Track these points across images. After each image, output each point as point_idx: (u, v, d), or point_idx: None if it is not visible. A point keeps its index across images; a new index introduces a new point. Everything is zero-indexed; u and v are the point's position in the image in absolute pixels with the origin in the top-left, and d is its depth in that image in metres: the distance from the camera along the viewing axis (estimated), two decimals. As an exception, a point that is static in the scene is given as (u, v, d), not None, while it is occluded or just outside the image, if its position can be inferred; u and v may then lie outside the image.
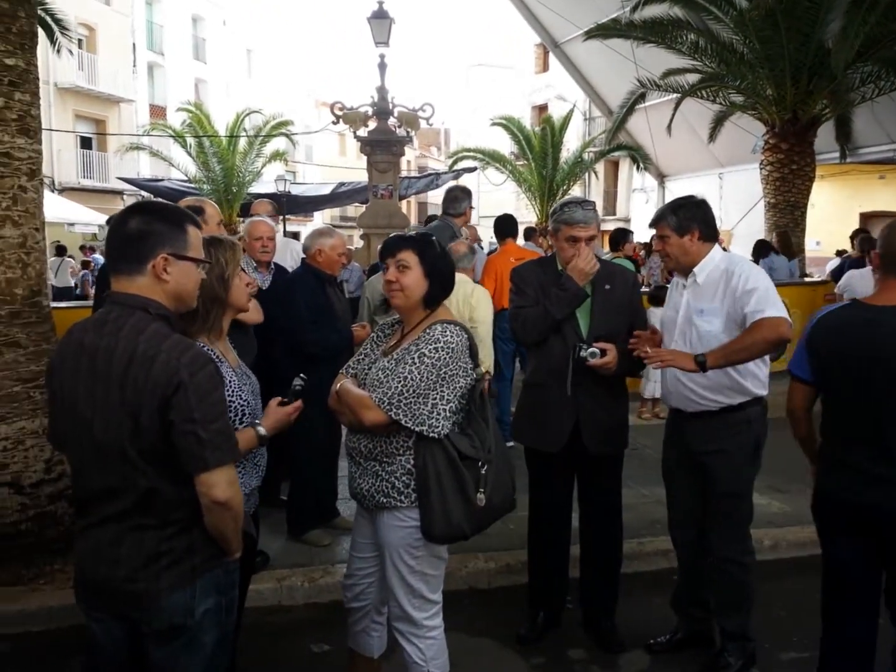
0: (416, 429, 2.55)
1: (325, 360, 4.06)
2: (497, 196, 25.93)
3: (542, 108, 30.63)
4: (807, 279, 11.36)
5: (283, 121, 22.64)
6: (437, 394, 2.57)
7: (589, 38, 13.08)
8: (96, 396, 1.99)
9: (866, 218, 17.61)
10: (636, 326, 3.44)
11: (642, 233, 15.30)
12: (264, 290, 4.51)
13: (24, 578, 4.00)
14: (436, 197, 43.43)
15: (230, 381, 2.46)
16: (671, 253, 3.32)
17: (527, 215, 22.42)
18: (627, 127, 16.12)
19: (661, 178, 21.67)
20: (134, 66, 29.38)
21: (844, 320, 2.64)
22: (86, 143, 27.04)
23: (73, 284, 16.98)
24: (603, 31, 12.73)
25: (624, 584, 3.77)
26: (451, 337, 2.61)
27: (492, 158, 22.20)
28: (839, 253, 14.15)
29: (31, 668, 3.51)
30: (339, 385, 2.73)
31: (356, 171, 19.70)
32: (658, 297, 6.34)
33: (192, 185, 20.41)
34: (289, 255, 5.81)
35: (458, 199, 6.19)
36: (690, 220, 3.27)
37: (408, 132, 12.77)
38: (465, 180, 22.89)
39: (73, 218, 19.17)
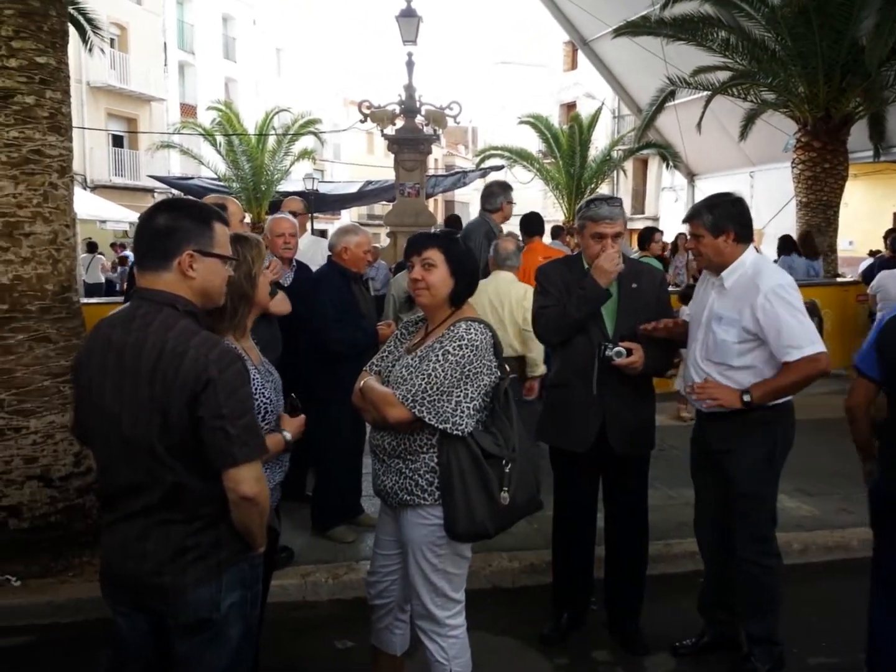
0: (440, 426, 2.54)
1: (349, 357, 4.07)
2: (524, 194, 25.71)
3: (571, 106, 30.48)
4: (839, 279, 11.21)
5: (312, 119, 22.75)
6: (461, 391, 2.56)
7: (618, 36, 13.02)
8: (124, 392, 2.01)
9: (900, 217, 17.34)
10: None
11: (671, 232, 15.17)
12: (287, 286, 4.52)
13: (52, 570, 4.06)
14: (463, 195, 43.52)
15: (253, 379, 2.47)
16: (704, 253, 3.26)
17: (554, 214, 22.32)
18: (657, 125, 16.02)
19: (691, 176, 21.49)
20: (165, 65, 29.71)
21: None
22: (117, 141, 27.38)
23: (103, 280, 17.17)
24: (632, 29, 12.65)
25: (650, 586, 3.73)
26: (476, 334, 2.59)
27: (519, 157, 22.10)
28: (872, 253, 13.94)
29: (59, 660, 3.54)
30: (362, 382, 2.73)
31: (384, 169, 19.77)
32: (688, 296, 6.26)
33: (222, 184, 20.58)
34: (319, 254, 5.78)
35: (494, 195, 6.05)
36: (726, 220, 3.18)
37: (435, 130, 12.77)
38: (493, 179, 22.83)
39: (104, 215, 19.39)
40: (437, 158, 42.43)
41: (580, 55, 23.78)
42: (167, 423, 1.97)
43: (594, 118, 21.67)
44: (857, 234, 16.61)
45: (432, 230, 3.04)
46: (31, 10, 3.92)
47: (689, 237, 3.45)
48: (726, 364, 3.16)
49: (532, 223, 6.78)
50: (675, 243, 11.81)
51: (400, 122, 12.38)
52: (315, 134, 23.14)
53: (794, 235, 11.36)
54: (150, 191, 26.02)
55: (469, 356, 2.56)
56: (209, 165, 22.65)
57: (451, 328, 2.62)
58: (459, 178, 19.74)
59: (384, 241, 15.14)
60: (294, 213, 5.66)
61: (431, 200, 24.20)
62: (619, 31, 12.83)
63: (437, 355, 2.56)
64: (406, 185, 12.05)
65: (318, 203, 19.69)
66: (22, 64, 3.90)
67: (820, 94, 10.89)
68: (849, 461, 3.45)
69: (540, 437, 3.69)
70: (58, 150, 4.12)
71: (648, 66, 14.70)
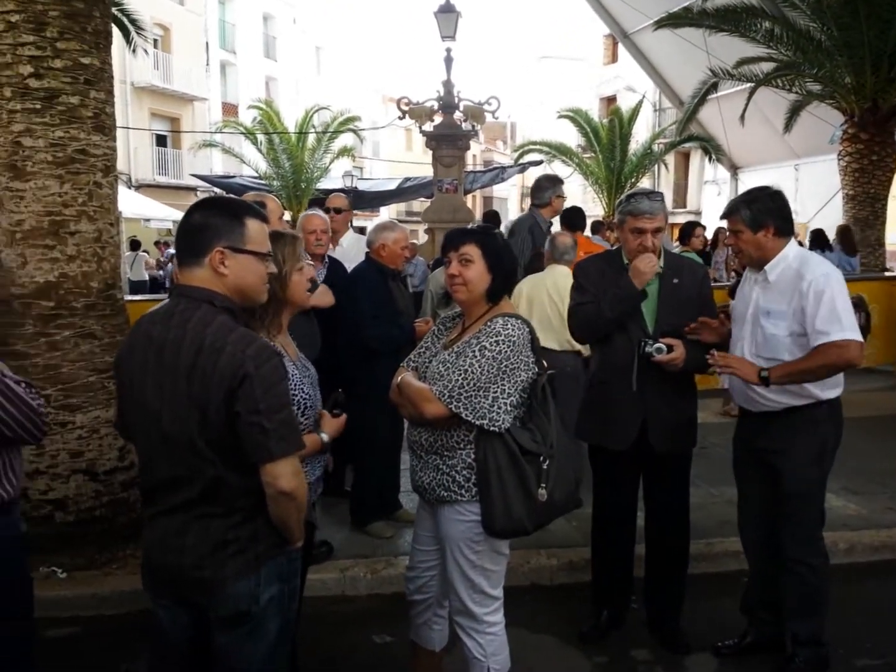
0: (477, 422, 2.53)
1: (386, 354, 4.08)
2: (563, 189, 25.66)
3: (611, 100, 30.23)
4: (886, 273, 10.96)
5: (351, 117, 22.89)
6: (498, 387, 2.55)
7: (659, 28, 12.86)
8: (164, 388, 2.03)
9: (951, 210, 16.87)
10: (706, 322, 3.34)
11: (713, 226, 14.95)
12: (319, 283, 4.53)
13: (97, 563, 4.14)
14: (501, 191, 43.36)
15: (292, 375, 2.48)
16: (744, 249, 3.20)
17: (593, 209, 22.15)
18: (699, 117, 15.80)
19: (734, 169, 21.13)
20: (207, 64, 30.09)
21: None
22: (161, 140, 27.82)
23: (147, 278, 17.44)
24: (674, 20, 12.49)
25: (691, 585, 3.68)
26: (513, 330, 2.57)
27: (558, 151, 21.99)
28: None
29: (102, 651, 3.60)
30: (399, 378, 2.73)
31: (422, 165, 19.77)
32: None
33: (263, 182, 20.78)
34: (362, 252, 5.78)
35: (543, 189, 5.94)
36: (765, 214, 3.12)
37: (473, 126, 12.74)
38: (532, 174, 22.72)
39: (149, 214, 19.70)
40: (475, 154, 42.39)
41: (620, 48, 23.60)
42: (206, 419, 1.99)
43: (635, 111, 21.48)
44: (906, 228, 16.20)
45: (469, 226, 3.00)
46: (76, 12, 3.98)
47: (727, 233, 3.37)
48: (777, 359, 3.09)
49: (574, 217, 6.69)
50: (714, 238, 11.64)
51: (438, 119, 12.37)
52: (354, 131, 23.29)
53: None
54: (193, 189, 26.39)
55: (506, 352, 2.54)
56: (250, 164, 22.92)
57: (488, 324, 2.61)
58: (497, 174, 19.64)
59: (422, 238, 15.16)
60: (338, 210, 5.65)
61: (469, 196, 24.13)
62: (661, 23, 12.67)
63: (474, 351, 2.55)
64: (444, 181, 12.04)
65: (357, 200, 19.72)
66: (66, 64, 3.96)
67: (867, 84, 10.64)
68: (896, 459, 3.36)
69: (580, 436, 3.66)
70: (102, 149, 4.18)
71: (690, 58, 14.50)
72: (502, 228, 7.30)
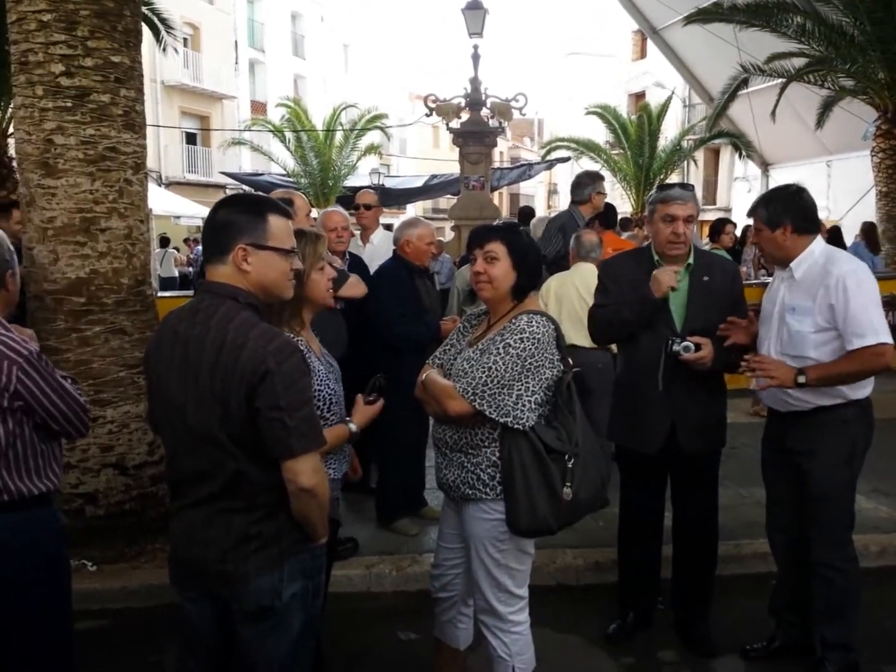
0: (501, 420, 2.52)
1: (412, 351, 4.07)
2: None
3: (640, 96, 29.95)
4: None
5: (378, 114, 22.93)
6: (522, 385, 2.53)
7: (689, 23, 12.74)
8: (188, 383, 2.05)
9: None
10: (737, 321, 3.30)
11: (744, 223, 14.80)
12: (349, 275, 4.53)
13: (126, 556, 4.19)
14: (528, 188, 43.18)
15: (318, 371, 2.48)
16: (765, 247, 3.19)
17: (622, 206, 21.92)
18: (729, 113, 15.60)
19: (765, 165, 20.85)
20: (236, 63, 30.32)
21: None
22: (191, 138, 28.09)
23: (176, 274, 17.62)
24: (704, 16, 12.37)
25: (719, 587, 3.65)
26: (537, 327, 2.56)
27: (586, 148, 21.85)
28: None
29: (131, 644, 3.64)
30: (424, 375, 2.73)
31: (450, 163, 19.77)
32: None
33: (291, 179, 20.87)
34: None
35: (582, 185, 5.82)
36: (782, 213, 3.10)
37: (500, 123, 12.71)
38: (559, 171, 22.64)
39: (178, 211, 19.88)
40: (502, 151, 42.26)
41: (649, 44, 23.34)
42: (227, 414, 2.00)
43: (664, 108, 21.28)
44: (941, 225, 15.89)
45: (495, 223, 2.99)
46: (106, 11, 4.02)
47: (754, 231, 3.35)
48: (803, 356, 3.05)
49: (606, 214, 6.60)
50: (743, 235, 11.51)
51: (465, 116, 12.36)
52: (381, 129, 23.32)
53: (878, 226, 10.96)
54: (222, 187, 26.57)
55: (531, 349, 2.53)
56: (278, 161, 23.05)
57: (513, 321, 2.60)
58: (524, 171, 19.57)
59: (449, 235, 15.16)
60: (368, 206, 5.64)
61: (496, 193, 24.09)
62: (691, 19, 12.55)
63: (498, 348, 2.54)
64: (471, 178, 12.03)
65: (384, 197, 19.68)
66: (97, 63, 4.00)
67: (901, 79, 10.47)
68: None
69: (611, 437, 3.63)
70: (132, 147, 4.22)
71: (720, 54, 14.33)
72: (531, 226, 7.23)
